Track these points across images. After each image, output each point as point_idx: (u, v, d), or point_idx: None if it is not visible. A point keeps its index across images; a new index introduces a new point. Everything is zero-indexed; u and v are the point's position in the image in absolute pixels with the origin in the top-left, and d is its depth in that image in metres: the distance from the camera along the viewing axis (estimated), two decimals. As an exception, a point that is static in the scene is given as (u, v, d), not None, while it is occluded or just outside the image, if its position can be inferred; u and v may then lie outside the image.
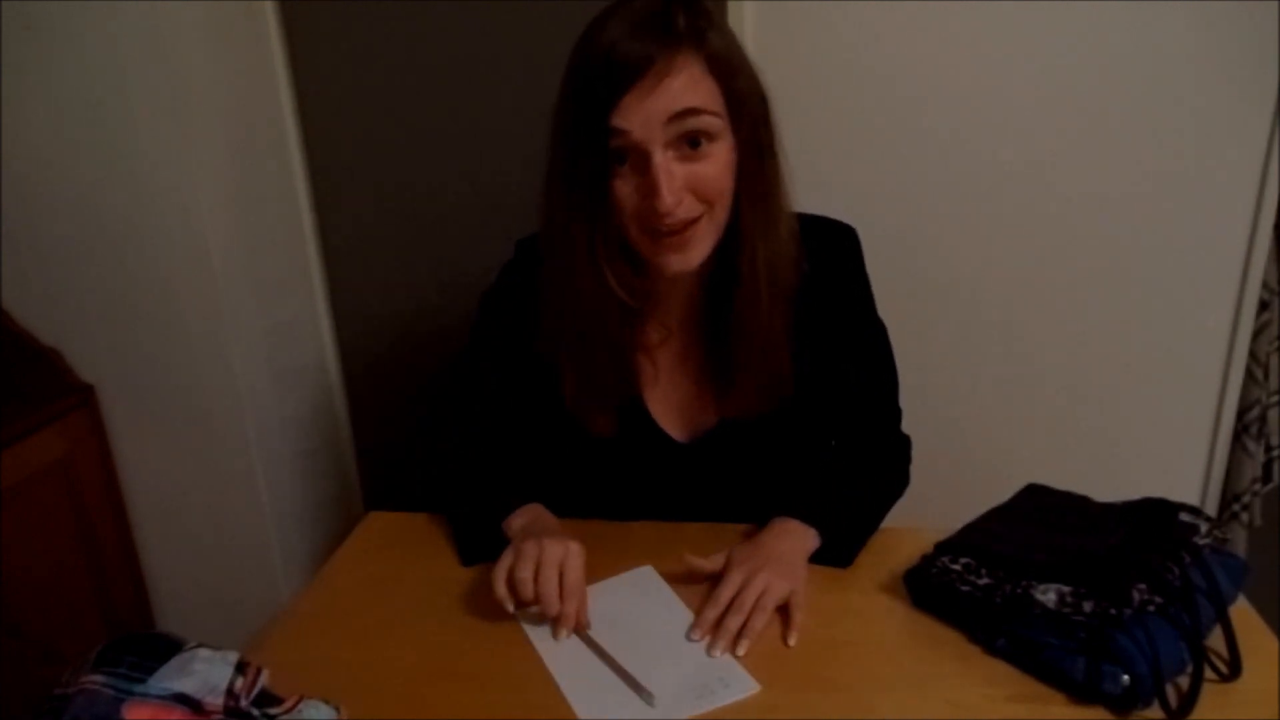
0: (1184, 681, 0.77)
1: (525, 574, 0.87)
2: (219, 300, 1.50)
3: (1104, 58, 1.42)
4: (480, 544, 0.98)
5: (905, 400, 1.12)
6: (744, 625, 0.86)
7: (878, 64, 1.47)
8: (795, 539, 0.96)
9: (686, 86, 0.84)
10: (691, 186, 0.87)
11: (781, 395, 1.00)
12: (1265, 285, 1.51)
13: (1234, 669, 0.79)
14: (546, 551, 0.88)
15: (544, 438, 1.07)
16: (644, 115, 0.83)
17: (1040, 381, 1.62)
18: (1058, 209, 1.52)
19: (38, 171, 1.45)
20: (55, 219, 1.48)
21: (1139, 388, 1.60)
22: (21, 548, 1.46)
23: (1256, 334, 1.54)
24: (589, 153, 0.87)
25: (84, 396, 1.57)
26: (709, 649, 0.85)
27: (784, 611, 0.89)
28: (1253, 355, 1.55)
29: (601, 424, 1.02)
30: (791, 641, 0.86)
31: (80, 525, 1.58)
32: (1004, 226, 1.54)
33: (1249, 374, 1.56)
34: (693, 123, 0.85)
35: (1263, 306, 1.52)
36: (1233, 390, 1.57)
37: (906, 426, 1.14)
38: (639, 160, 0.86)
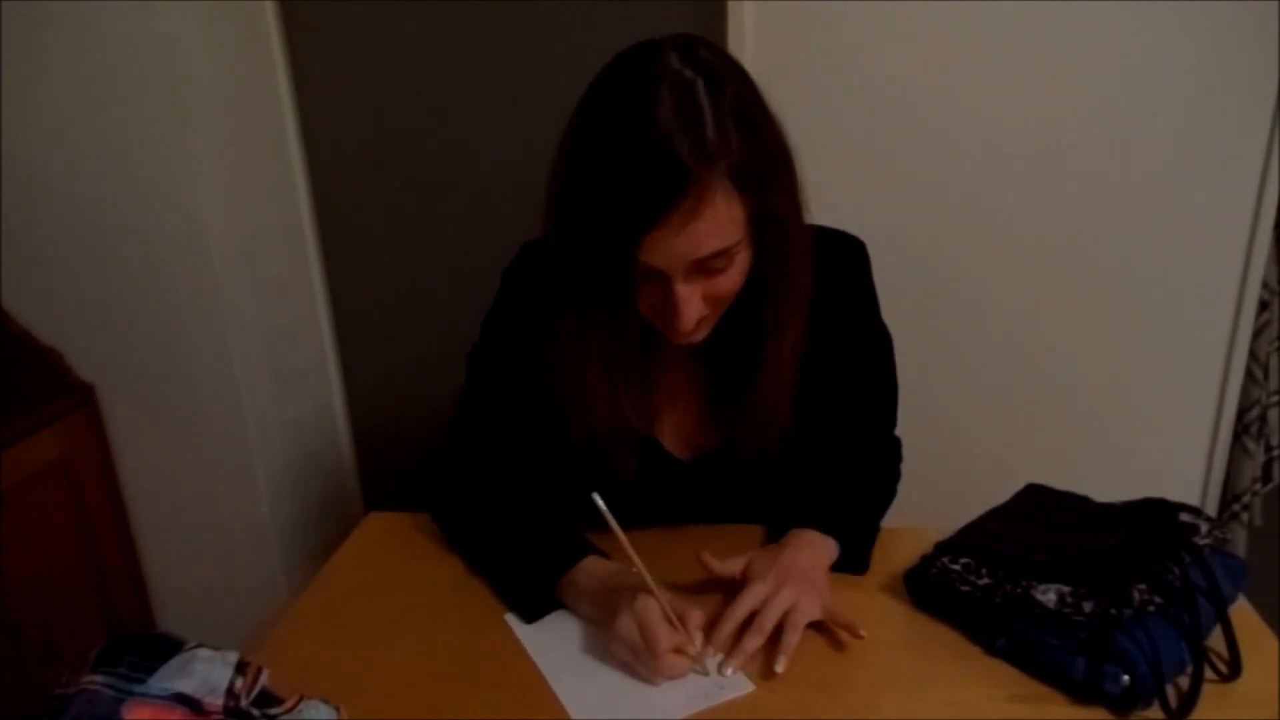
0: (1184, 681, 0.77)
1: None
2: (219, 300, 1.50)
3: (1104, 58, 1.42)
4: (539, 603, 0.94)
5: (906, 400, 1.12)
6: (779, 645, 0.84)
7: (877, 65, 1.47)
8: (816, 552, 0.95)
9: (714, 229, 0.80)
10: (706, 296, 0.86)
11: (784, 435, 0.99)
12: (1265, 285, 1.51)
13: (1234, 669, 0.79)
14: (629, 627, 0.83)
15: (553, 459, 1.04)
16: (670, 254, 0.81)
17: (1040, 382, 1.63)
18: (1058, 209, 1.52)
19: (38, 171, 1.45)
20: (55, 219, 1.48)
21: (1139, 388, 1.60)
22: (21, 548, 1.46)
23: (1256, 334, 1.54)
24: (609, 280, 0.85)
25: (84, 396, 1.57)
26: (721, 667, 0.83)
27: (817, 626, 0.88)
28: (1253, 355, 1.55)
29: (621, 465, 1.00)
30: (863, 633, 0.85)
31: (80, 525, 1.58)
32: (1004, 226, 1.54)
33: (1249, 374, 1.56)
34: (714, 260, 0.82)
35: (1263, 306, 1.52)
36: (1233, 390, 1.57)
37: (906, 426, 1.14)
38: (658, 273, 0.84)
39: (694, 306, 0.85)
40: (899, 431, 1.13)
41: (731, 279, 0.86)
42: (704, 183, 0.77)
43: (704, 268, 0.83)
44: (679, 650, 0.81)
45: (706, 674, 0.82)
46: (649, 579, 0.83)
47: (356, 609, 0.96)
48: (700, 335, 0.91)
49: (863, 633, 0.85)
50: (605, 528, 0.81)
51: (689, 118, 0.77)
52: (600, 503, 0.81)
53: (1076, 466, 1.55)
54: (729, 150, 0.78)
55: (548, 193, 0.87)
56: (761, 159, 0.81)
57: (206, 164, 1.45)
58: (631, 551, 0.82)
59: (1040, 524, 0.89)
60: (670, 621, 0.82)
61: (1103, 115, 1.45)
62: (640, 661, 0.81)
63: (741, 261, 0.86)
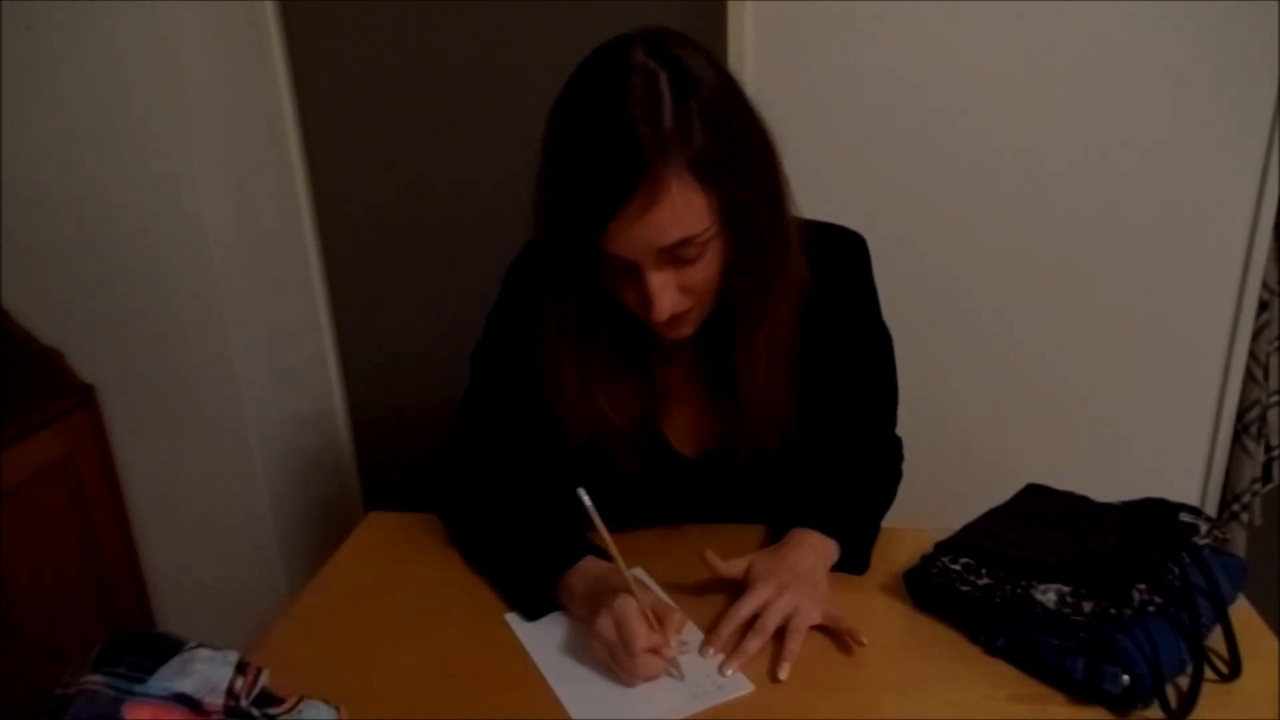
0: (1184, 681, 0.77)
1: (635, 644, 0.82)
2: (219, 300, 1.50)
3: (1104, 58, 1.42)
4: (539, 602, 0.94)
5: (906, 400, 1.12)
6: (781, 651, 0.84)
7: (877, 64, 1.47)
8: (818, 555, 0.95)
9: (672, 219, 0.79)
10: (682, 287, 0.86)
11: (785, 435, 0.99)
12: (1265, 285, 1.51)
13: (1234, 669, 0.79)
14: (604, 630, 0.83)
15: (557, 455, 1.04)
16: (633, 243, 0.81)
17: (1040, 382, 1.62)
18: (1058, 209, 1.52)
19: (38, 172, 1.45)
20: (55, 219, 1.48)
21: (1139, 388, 1.60)
22: (21, 548, 1.46)
23: (1256, 334, 1.54)
24: (579, 271, 0.85)
25: (84, 396, 1.57)
26: (722, 667, 0.83)
27: (823, 629, 0.88)
28: (1253, 355, 1.55)
29: (625, 460, 1.00)
30: (864, 640, 0.85)
31: (80, 525, 1.58)
32: (1004, 226, 1.54)
33: (1249, 374, 1.56)
34: (683, 249, 0.82)
35: (1263, 306, 1.52)
36: (1233, 390, 1.57)
37: (907, 426, 1.14)
38: (631, 265, 0.84)
39: (668, 296, 0.84)
40: (899, 431, 1.13)
41: (704, 270, 0.85)
42: (660, 172, 0.77)
43: (674, 257, 0.83)
44: (655, 651, 0.81)
45: (681, 679, 0.82)
46: (629, 578, 0.83)
47: (356, 609, 0.96)
48: (688, 330, 0.91)
49: (864, 639, 0.85)
50: (609, 526, 0.81)
51: (648, 108, 0.77)
52: (586, 499, 0.81)
53: (1076, 466, 1.55)
54: (689, 141, 0.78)
55: (534, 190, 0.88)
56: (727, 152, 0.81)
57: (206, 164, 1.45)
58: (613, 549, 0.83)
59: (1040, 524, 0.89)
60: (649, 622, 0.82)
61: (1102, 115, 1.45)
62: (616, 660, 0.82)
63: (714, 252, 0.85)
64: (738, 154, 0.82)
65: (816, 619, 0.87)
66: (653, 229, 0.79)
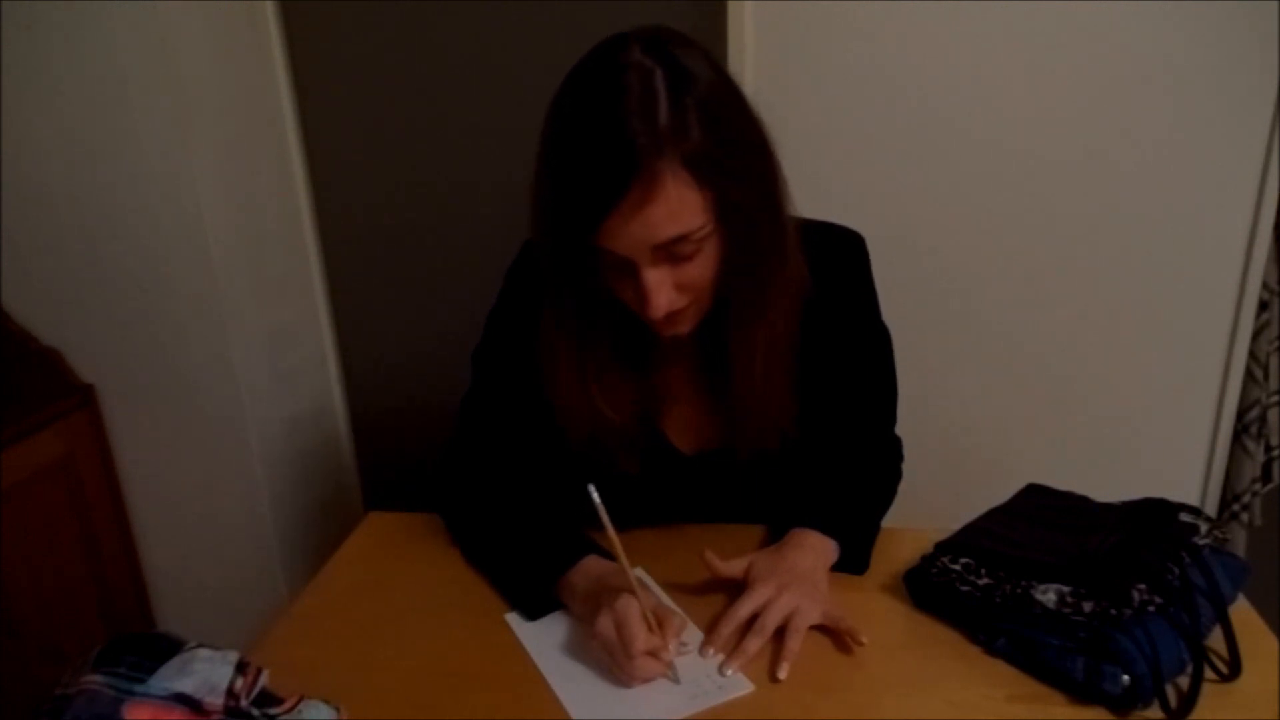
0: (1184, 681, 0.77)
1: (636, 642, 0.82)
2: (219, 300, 1.50)
3: (1104, 58, 1.42)
4: (540, 601, 0.95)
5: (906, 400, 1.12)
6: (781, 650, 0.84)
7: (877, 64, 1.47)
8: (817, 555, 0.95)
9: (667, 216, 0.79)
10: (679, 284, 0.86)
11: (785, 434, 0.99)
12: (1265, 285, 1.51)
13: (1234, 669, 0.79)
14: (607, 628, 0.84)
15: (558, 455, 1.04)
16: (628, 240, 0.81)
17: (1040, 382, 1.63)
18: (1058, 209, 1.52)
19: (38, 171, 1.45)
20: (55, 219, 1.48)
21: (1139, 388, 1.60)
22: (21, 548, 1.46)
23: (1256, 334, 1.54)
24: (575, 268, 0.86)
25: (84, 396, 1.57)
26: (722, 667, 0.84)
27: (822, 629, 0.88)
28: (1253, 355, 1.55)
29: (624, 458, 1.00)
30: (864, 640, 0.85)
31: (80, 525, 1.58)
32: (1004, 226, 1.54)
33: (1249, 374, 1.56)
34: (678, 246, 0.82)
35: (1263, 306, 1.52)
36: (1233, 390, 1.57)
37: (907, 425, 1.14)
38: (628, 263, 0.84)
39: (664, 293, 0.84)
40: (899, 431, 1.13)
41: (700, 267, 0.85)
42: (655, 169, 0.77)
43: (670, 254, 0.83)
44: (654, 654, 0.81)
45: (678, 683, 0.82)
46: (633, 578, 0.83)
47: (356, 609, 0.96)
48: (685, 328, 0.91)
49: (863, 639, 0.85)
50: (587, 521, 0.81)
51: (644, 105, 0.77)
52: (595, 495, 0.81)
53: (1076, 466, 1.55)
54: (685, 138, 0.78)
55: (532, 188, 0.88)
56: (724, 150, 0.80)
57: (206, 164, 1.45)
58: (619, 548, 0.82)
59: (1040, 524, 0.89)
60: (649, 624, 0.82)
61: (1102, 115, 1.45)
62: (614, 661, 0.82)
63: (710, 249, 0.85)
64: (734, 152, 0.82)
65: (816, 619, 0.88)
66: (647, 226, 0.79)
